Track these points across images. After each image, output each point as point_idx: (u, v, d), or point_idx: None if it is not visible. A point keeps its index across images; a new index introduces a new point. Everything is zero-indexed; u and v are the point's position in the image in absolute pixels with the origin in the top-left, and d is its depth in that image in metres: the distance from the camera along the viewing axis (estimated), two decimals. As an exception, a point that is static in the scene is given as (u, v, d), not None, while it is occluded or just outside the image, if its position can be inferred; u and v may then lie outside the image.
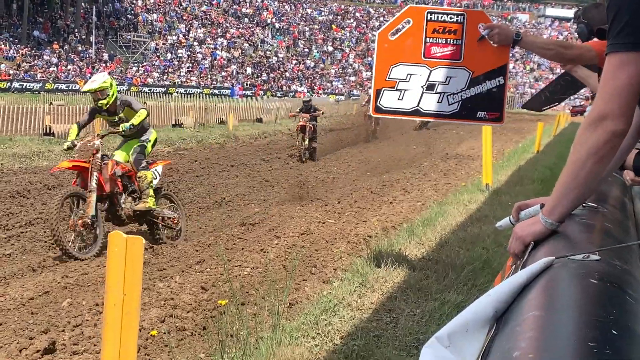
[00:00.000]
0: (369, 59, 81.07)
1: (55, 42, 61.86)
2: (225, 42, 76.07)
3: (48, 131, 22.11)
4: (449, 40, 5.90)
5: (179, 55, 71.03)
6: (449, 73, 5.91)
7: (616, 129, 1.77)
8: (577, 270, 1.50)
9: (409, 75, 5.99)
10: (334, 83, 75.84)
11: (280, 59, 77.84)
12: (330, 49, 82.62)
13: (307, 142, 20.33)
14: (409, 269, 6.57)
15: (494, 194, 11.42)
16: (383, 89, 6.06)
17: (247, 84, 68.88)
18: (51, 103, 28.05)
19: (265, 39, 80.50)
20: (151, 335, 5.44)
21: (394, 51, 6.05)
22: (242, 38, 78.35)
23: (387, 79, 6.04)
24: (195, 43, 73.98)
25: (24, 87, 50.95)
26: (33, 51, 59.46)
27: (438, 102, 5.96)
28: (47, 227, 8.51)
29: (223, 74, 70.24)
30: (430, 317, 5.20)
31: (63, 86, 53.09)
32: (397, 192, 12.95)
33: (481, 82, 5.82)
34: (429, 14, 5.97)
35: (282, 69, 75.91)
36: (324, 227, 9.71)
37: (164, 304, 6.32)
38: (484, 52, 5.67)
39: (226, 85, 66.93)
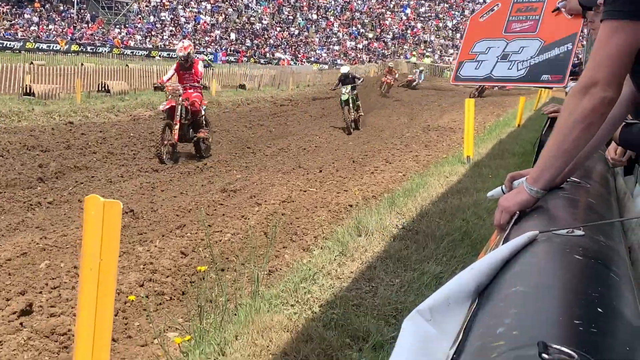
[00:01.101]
0: (353, 28, 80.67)
1: (37, 1, 60.85)
2: (209, 7, 75.22)
3: (28, 91, 21.85)
4: (529, 16, 6.51)
5: (162, 18, 70.17)
6: (523, 44, 6.54)
7: (605, 95, 1.76)
8: (561, 246, 1.48)
9: (488, 49, 6.69)
10: (317, 51, 75.38)
11: (265, 25, 77.16)
12: (315, 17, 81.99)
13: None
14: (389, 239, 6.59)
15: (474, 166, 11.45)
16: (465, 61, 6.82)
17: (230, 50, 68.27)
18: (32, 63, 27.70)
19: (250, 4, 79.68)
20: (129, 300, 5.43)
21: (480, 30, 6.84)
22: (227, 3, 77.52)
23: (469, 52, 6.80)
24: (179, 6, 73.08)
25: (4, 45, 50.12)
26: (14, 9, 58.49)
27: (508, 69, 6.55)
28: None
29: (206, 38, 69.53)
30: (409, 287, 5.22)
31: (44, 46, 52.35)
32: (379, 162, 12.96)
33: (550, 49, 6.35)
34: None
35: (266, 36, 75.29)
36: (305, 195, 9.71)
37: (143, 268, 6.31)
38: (558, 22, 6.21)
39: (209, 50, 66.30)
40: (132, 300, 5.41)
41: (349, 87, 20.22)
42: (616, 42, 1.75)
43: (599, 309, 1.08)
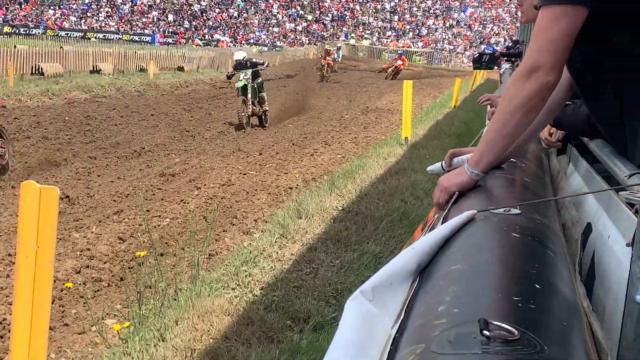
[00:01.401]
0: (293, 10, 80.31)
1: (-36, -20, 58.98)
2: (145, -13, 73.94)
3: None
4: None
5: (97, -2, 68.69)
6: None
7: (548, 80, 1.79)
8: (499, 224, 1.51)
9: None
10: (257, 33, 74.87)
11: (203, 7, 76.18)
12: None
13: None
14: (329, 221, 6.62)
15: (412, 147, 11.57)
16: None
17: (168, 32, 67.24)
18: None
19: (188, -15, 78.63)
20: (66, 287, 5.33)
21: None
22: (164, -17, 76.32)
23: None
24: (115, -13, 71.64)
25: None
26: (-59, -11, 56.57)
27: None
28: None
29: (144, 20, 68.31)
30: (349, 267, 5.26)
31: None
32: (318, 145, 12.98)
33: None
34: None
35: (204, 17, 74.37)
36: (245, 178, 9.67)
37: (80, 254, 6.20)
38: None
39: (147, 32, 65.17)
40: (69, 288, 5.31)
41: (249, 71, 16.86)
42: (559, 27, 1.78)
43: (537, 285, 1.11)
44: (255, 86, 16.95)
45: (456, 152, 2.24)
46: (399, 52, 42.06)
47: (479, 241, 1.43)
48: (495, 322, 0.90)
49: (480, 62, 13.57)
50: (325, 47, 40.77)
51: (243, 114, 16.11)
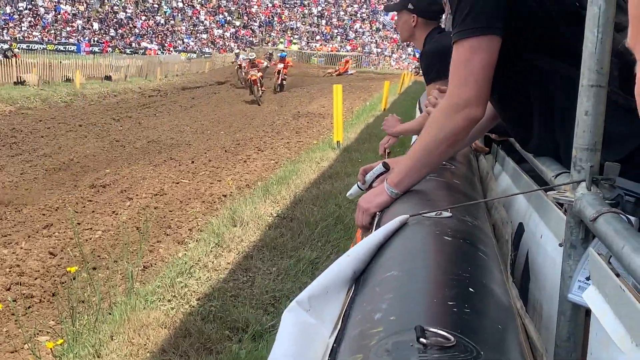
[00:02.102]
0: (220, 16, 79.89)
1: None
2: (69, -5, 72.42)
3: None
4: None
5: (19, 8, 66.84)
6: None
7: (475, 115, 1.83)
8: (431, 228, 1.52)
9: None
10: (185, 40, 74.18)
11: (129, 14, 75.07)
12: (181, 5, 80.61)
13: None
14: (264, 228, 6.60)
15: (344, 151, 11.64)
16: None
17: (94, 40, 65.99)
18: None
19: (113, -7, 77.37)
20: (-5, 306, 5.17)
21: None
22: (88, -9, 74.90)
23: None
24: (37, -5, 69.92)
25: None
26: None
27: None
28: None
29: (68, 29, 66.87)
30: (286, 274, 5.25)
31: None
32: (251, 151, 12.95)
33: None
34: None
35: (130, 25, 73.28)
36: (177, 187, 9.56)
37: (9, 271, 6.04)
38: None
39: (72, 41, 63.82)
40: (3, 314, 5.15)
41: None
42: (478, 59, 1.80)
43: (471, 289, 1.12)
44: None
45: (367, 168, 2.27)
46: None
47: (413, 246, 1.44)
48: (432, 329, 0.90)
49: None
50: (248, 56, 30.47)
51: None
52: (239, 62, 30.58)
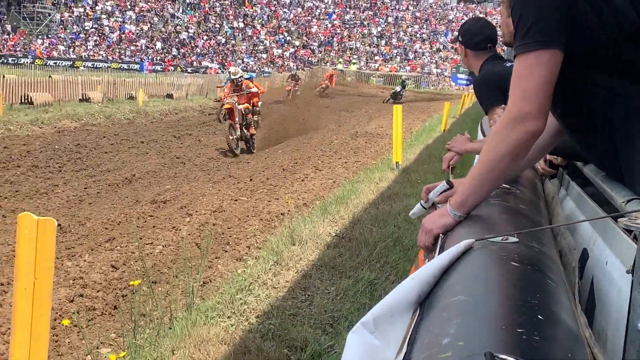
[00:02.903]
0: (280, 36, 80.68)
1: (-45, 11, 58.92)
2: (133, 16, 74.02)
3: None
4: None
5: (85, 28, 68.67)
6: None
7: (536, 129, 1.80)
8: (498, 253, 1.51)
9: None
10: (245, 60, 75.10)
11: (191, 34, 76.43)
12: (242, 25, 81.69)
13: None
14: (323, 247, 6.62)
15: (403, 172, 11.60)
16: None
17: (156, 59, 67.35)
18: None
19: (176, 13, 78.82)
20: (61, 322, 5.29)
21: None
22: (152, 12, 76.47)
23: None
24: (103, 16, 71.64)
25: None
26: None
27: None
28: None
29: (132, 48, 68.41)
30: (345, 294, 5.25)
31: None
32: (309, 170, 13.00)
33: None
34: None
35: (192, 45, 74.57)
36: (236, 205, 9.66)
37: (73, 283, 6.18)
38: None
39: (135, 59, 65.30)
40: (65, 323, 5.27)
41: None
42: (539, 73, 1.79)
43: (540, 316, 1.12)
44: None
45: (430, 187, 2.26)
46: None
47: (479, 271, 1.44)
48: (501, 355, 0.90)
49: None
50: (231, 75, 20.80)
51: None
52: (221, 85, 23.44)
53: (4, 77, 26.75)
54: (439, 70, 75.56)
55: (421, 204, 2.28)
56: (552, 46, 1.79)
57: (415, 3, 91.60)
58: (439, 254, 1.70)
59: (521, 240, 1.63)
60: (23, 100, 24.94)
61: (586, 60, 1.89)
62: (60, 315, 5.46)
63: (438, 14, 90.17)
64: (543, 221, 2.26)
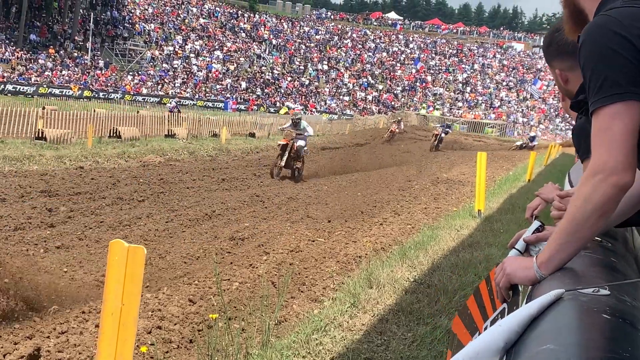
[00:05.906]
0: (364, 79, 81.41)
1: (52, 46, 61.63)
2: (221, 56, 76.09)
3: (40, 135, 21.99)
4: None
5: (174, 66, 70.94)
6: None
7: (624, 183, 1.74)
8: (589, 305, 1.48)
9: None
10: (327, 102, 75.97)
11: (276, 75, 77.96)
12: (326, 67, 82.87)
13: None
14: (401, 292, 6.55)
15: (485, 220, 11.42)
16: None
17: (241, 98, 68.86)
18: (44, 107, 27.97)
19: (262, 54, 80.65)
20: (140, 351, 5.38)
21: None
22: (239, 52, 78.45)
23: None
24: (192, 55, 73.91)
25: (17, 90, 50.46)
26: (29, 54, 59.21)
27: None
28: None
29: (218, 87, 70.20)
30: (422, 341, 5.17)
31: (57, 91, 52.74)
32: (388, 214, 12.94)
33: None
34: None
35: (276, 85, 76.00)
36: (313, 246, 9.69)
37: (151, 315, 6.28)
38: None
39: (220, 98, 66.91)
40: (143, 351, 5.36)
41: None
42: (618, 126, 1.74)
43: (633, 371, 1.08)
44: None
45: (521, 234, 2.23)
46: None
47: (569, 321, 1.41)
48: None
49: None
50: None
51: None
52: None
53: (95, 111, 27.82)
54: (525, 120, 74.68)
55: (516, 248, 2.25)
56: (627, 98, 1.75)
57: (502, 51, 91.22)
58: (527, 302, 1.67)
59: (612, 293, 1.58)
60: (112, 134, 25.86)
61: None
62: (137, 346, 5.55)
63: (526, 62, 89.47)
64: (634, 275, 2.19)
